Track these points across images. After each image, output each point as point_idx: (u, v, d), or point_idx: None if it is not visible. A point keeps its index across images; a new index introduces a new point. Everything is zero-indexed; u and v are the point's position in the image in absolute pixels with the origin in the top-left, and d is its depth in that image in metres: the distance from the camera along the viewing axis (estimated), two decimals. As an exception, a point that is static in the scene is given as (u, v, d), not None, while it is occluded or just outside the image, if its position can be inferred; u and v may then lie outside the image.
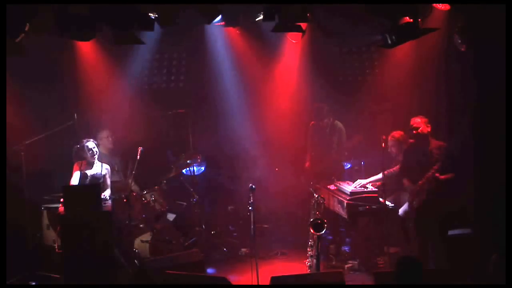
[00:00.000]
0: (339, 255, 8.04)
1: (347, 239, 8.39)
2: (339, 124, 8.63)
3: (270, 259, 8.02)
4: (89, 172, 7.75)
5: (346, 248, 8.23)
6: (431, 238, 7.23)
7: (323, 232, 6.93)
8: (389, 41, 6.93)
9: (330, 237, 8.48)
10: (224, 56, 9.39)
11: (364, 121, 9.32)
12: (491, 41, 6.39)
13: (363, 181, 7.79)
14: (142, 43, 7.41)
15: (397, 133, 7.87)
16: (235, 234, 9.11)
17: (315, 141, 8.74)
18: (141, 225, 7.96)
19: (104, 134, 8.42)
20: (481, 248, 6.33)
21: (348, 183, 8.04)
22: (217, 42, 9.25)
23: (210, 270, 7.62)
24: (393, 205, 7.63)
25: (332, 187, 8.08)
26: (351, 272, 7.46)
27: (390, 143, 7.82)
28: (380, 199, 7.48)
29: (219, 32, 9.11)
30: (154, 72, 9.64)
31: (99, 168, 7.81)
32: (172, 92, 9.61)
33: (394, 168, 7.77)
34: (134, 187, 8.26)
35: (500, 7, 6.16)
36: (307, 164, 8.82)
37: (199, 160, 9.07)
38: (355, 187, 7.74)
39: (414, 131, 7.30)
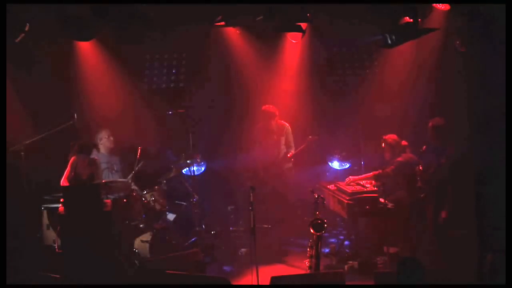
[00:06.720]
0: (339, 255, 8.03)
1: (347, 241, 8.38)
2: (285, 124, 8.89)
3: (270, 259, 8.01)
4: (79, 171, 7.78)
5: (346, 248, 8.23)
6: (431, 238, 7.23)
7: (323, 232, 6.93)
8: (389, 41, 6.94)
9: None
10: (224, 56, 9.40)
11: (363, 121, 9.30)
12: (491, 41, 6.38)
13: (354, 178, 7.93)
14: (142, 43, 7.42)
15: (389, 137, 7.76)
16: (235, 234, 9.10)
17: (263, 145, 8.88)
18: (141, 225, 7.96)
19: (104, 133, 8.41)
20: (479, 248, 6.33)
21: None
22: (217, 42, 9.25)
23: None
24: (393, 205, 7.62)
25: (332, 187, 8.08)
26: (351, 272, 7.45)
27: (384, 148, 7.77)
28: (380, 199, 7.49)
29: (219, 32, 9.11)
30: (154, 72, 9.64)
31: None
32: (172, 92, 9.60)
33: (387, 170, 7.72)
34: (134, 187, 8.26)
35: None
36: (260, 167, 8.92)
37: (199, 160, 9.08)
38: (346, 183, 7.80)
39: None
